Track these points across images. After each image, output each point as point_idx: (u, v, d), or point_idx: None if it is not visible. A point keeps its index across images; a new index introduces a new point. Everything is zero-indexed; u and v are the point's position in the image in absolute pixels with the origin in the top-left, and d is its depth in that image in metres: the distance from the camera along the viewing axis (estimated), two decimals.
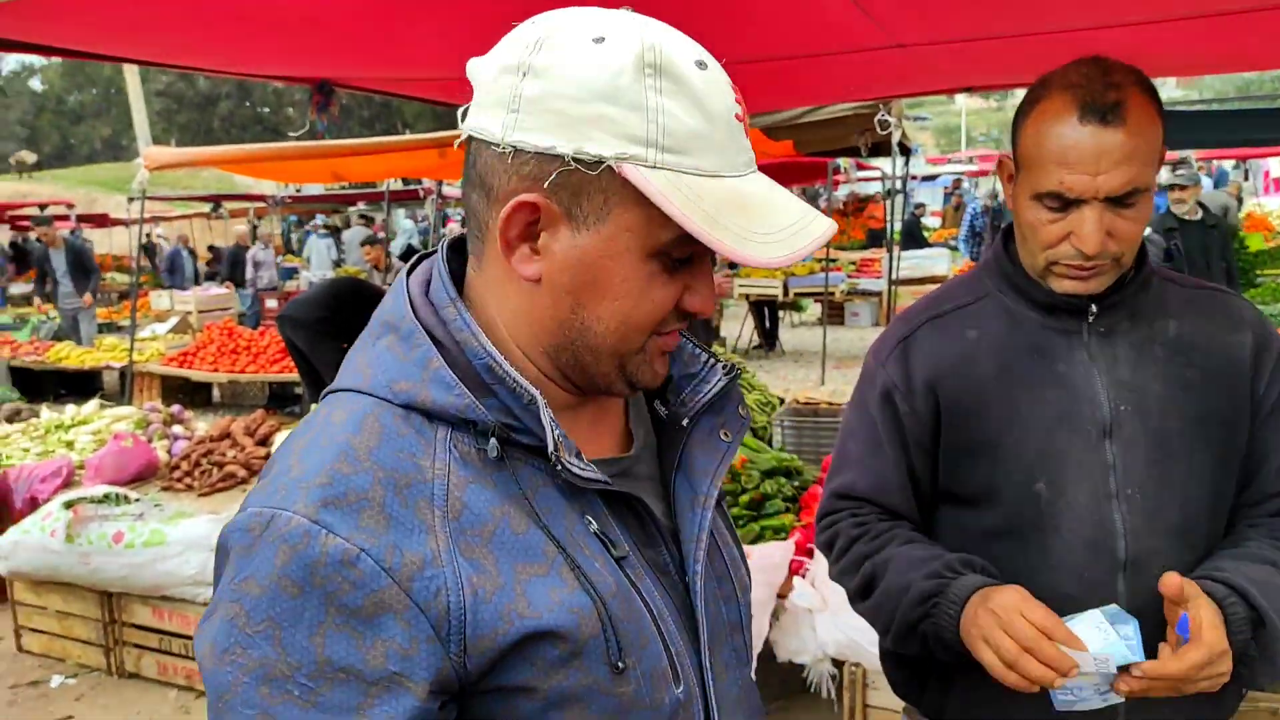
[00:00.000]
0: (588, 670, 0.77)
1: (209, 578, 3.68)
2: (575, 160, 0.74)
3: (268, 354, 8.65)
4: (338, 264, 14.66)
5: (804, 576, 3.35)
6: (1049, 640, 1.15)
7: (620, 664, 0.78)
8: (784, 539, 3.64)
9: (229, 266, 14.62)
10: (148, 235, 18.64)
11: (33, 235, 16.93)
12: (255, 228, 19.85)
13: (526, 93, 0.74)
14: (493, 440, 0.78)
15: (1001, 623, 1.18)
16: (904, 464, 1.45)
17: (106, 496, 4.02)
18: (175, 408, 5.71)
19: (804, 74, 2.96)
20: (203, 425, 5.67)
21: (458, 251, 0.88)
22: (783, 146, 6.40)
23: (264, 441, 5.07)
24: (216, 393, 9.63)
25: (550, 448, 0.77)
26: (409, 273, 0.86)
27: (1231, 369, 1.36)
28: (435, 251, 0.88)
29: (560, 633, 0.76)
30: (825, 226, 0.78)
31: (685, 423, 0.93)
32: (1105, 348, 1.36)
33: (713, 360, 0.94)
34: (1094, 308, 1.36)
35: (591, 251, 0.77)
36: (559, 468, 0.78)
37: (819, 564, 3.34)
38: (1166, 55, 2.55)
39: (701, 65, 0.76)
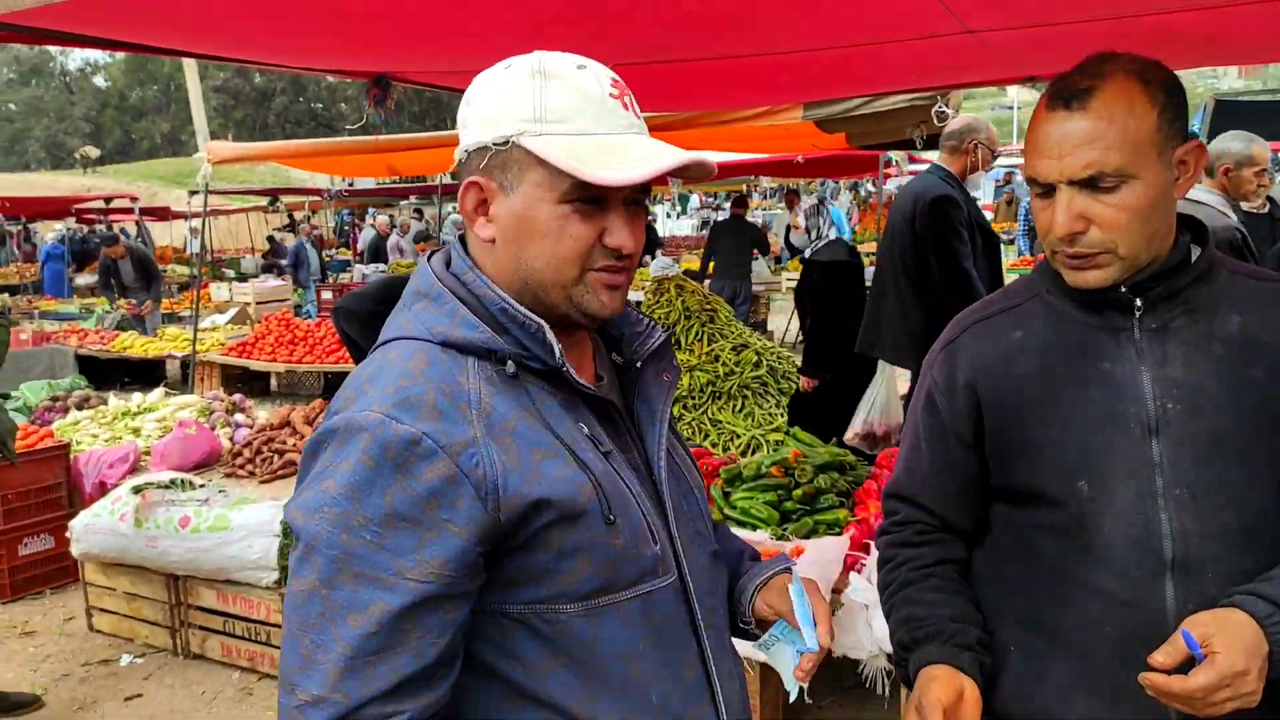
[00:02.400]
0: (590, 526, 1.03)
1: (272, 562, 3.77)
2: (493, 144, 1.04)
3: (324, 345, 8.81)
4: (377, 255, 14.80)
5: (860, 571, 3.32)
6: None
7: (611, 518, 1.04)
8: (838, 534, 3.61)
9: (292, 261, 14.85)
10: (280, 232, 18.96)
11: (98, 228, 17.44)
12: (309, 219, 20.20)
13: (468, 116, 1.07)
14: (509, 363, 1.05)
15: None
16: (944, 464, 1.47)
17: (173, 482, 4.14)
18: (237, 396, 5.84)
19: (869, 62, 2.93)
20: (263, 414, 5.79)
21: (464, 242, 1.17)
22: (835, 140, 6.33)
23: None
24: (274, 382, 9.83)
25: (557, 357, 1.05)
26: (429, 258, 1.16)
27: None
28: (447, 243, 1.18)
29: (565, 499, 1.01)
30: (680, 155, 1.03)
31: (639, 365, 1.21)
32: (1156, 344, 1.32)
33: (653, 322, 1.24)
34: (1138, 303, 1.32)
35: (519, 207, 1.05)
36: (564, 371, 1.06)
37: (873, 559, 3.31)
38: (1237, 40, 2.47)
39: (581, 67, 1.06)
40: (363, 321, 6.73)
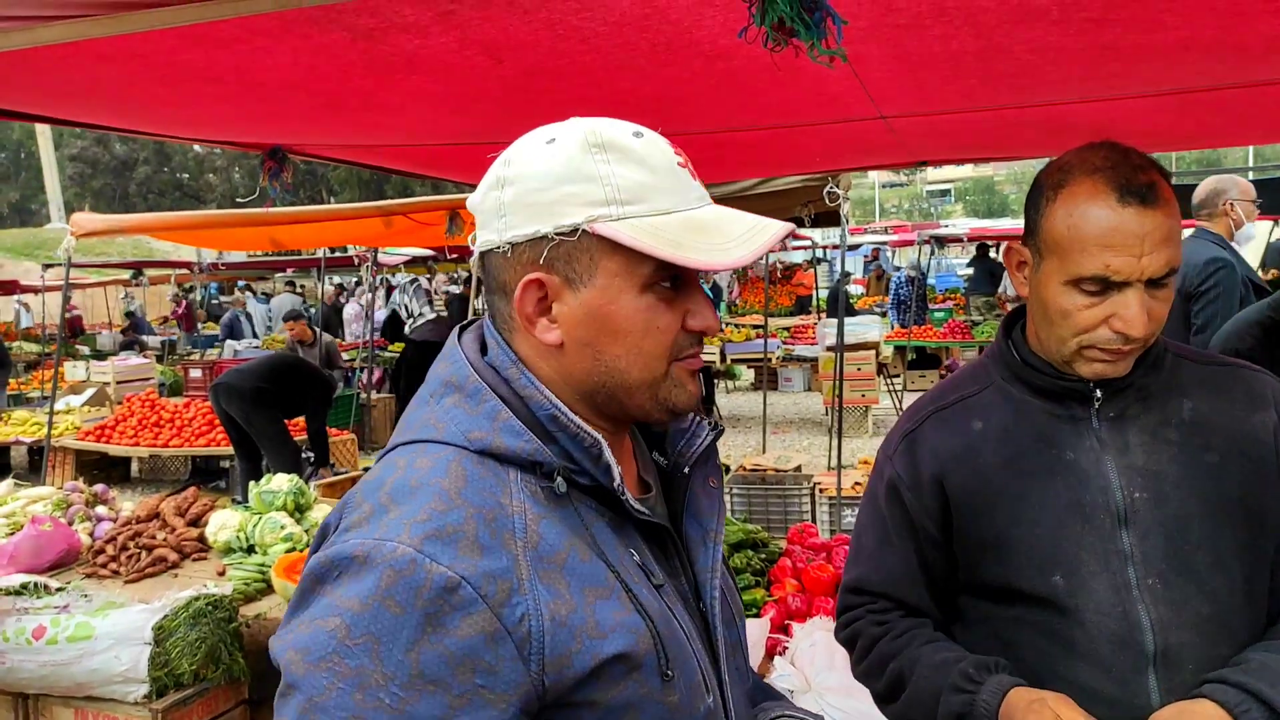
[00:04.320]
0: (644, 681, 0.88)
1: (142, 674, 3.39)
2: (558, 234, 0.89)
3: (192, 426, 8.26)
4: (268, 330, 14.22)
5: (782, 655, 3.24)
6: None
7: (669, 673, 0.90)
8: (756, 615, 3.54)
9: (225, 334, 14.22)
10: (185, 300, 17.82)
11: None
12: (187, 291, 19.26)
13: (506, 199, 0.92)
14: (559, 478, 0.90)
15: None
16: (914, 558, 1.43)
17: (24, 587, 3.69)
18: (99, 487, 5.36)
19: (786, 143, 2.98)
20: (128, 505, 5.32)
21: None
22: None
23: (196, 521, 4.77)
24: (136, 467, 9.15)
25: (616, 481, 0.92)
26: (459, 336, 1.00)
27: (1255, 450, 1.32)
28: (475, 320, 1.03)
29: (624, 653, 0.86)
30: (781, 226, 0.92)
31: (686, 470, 1.06)
32: (1116, 433, 1.32)
33: (698, 418, 1.07)
34: (1098, 393, 1.33)
35: (594, 302, 0.91)
36: (621, 498, 0.92)
37: (796, 641, 3.25)
38: (1123, 132, 2.65)
39: (638, 135, 0.93)
40: (245, 400, 6.38)
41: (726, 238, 0.90)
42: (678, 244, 0.88)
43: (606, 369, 0.93)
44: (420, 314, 4.73)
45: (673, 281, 0.92)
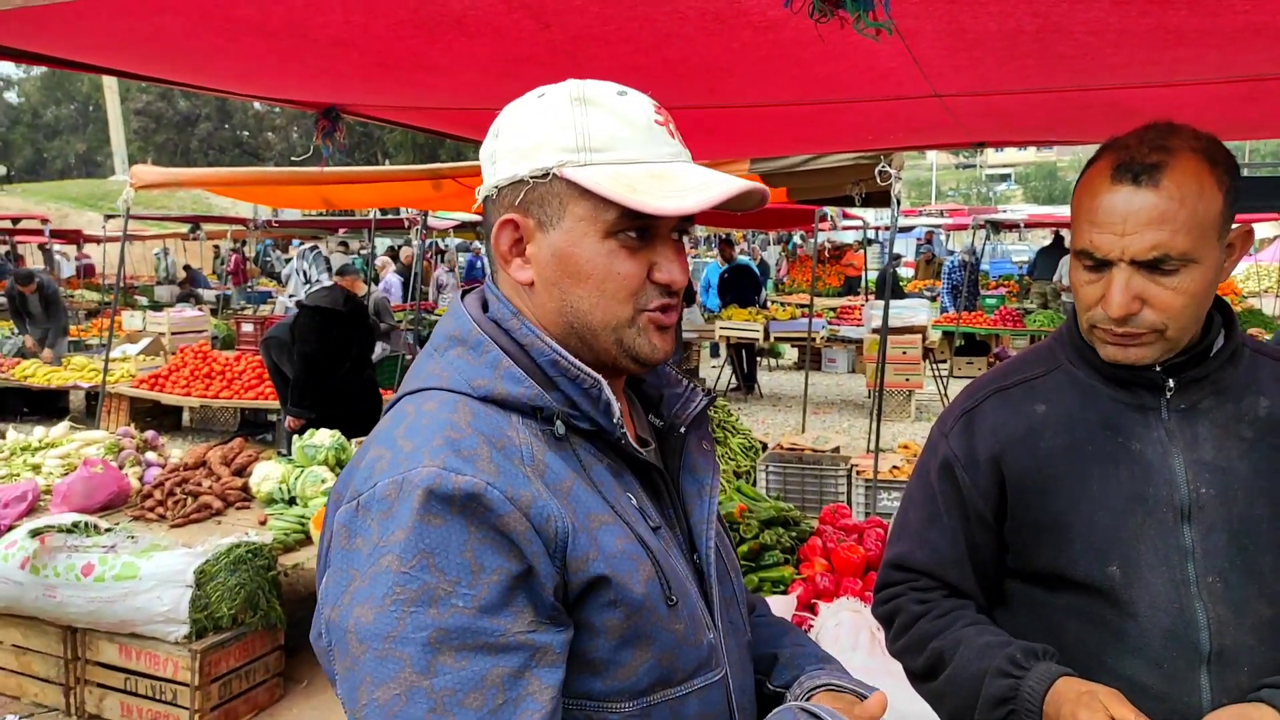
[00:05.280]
0: (651, 608, 0.92)
1: (183, 615, 3.51)
2: (532, 177, 0.95)
3: (242, 379, 8.46)
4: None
5: (807, 632, 3.24)
6: None
7: (672, 599, 0.94)
8: (783, 592, 3.55)
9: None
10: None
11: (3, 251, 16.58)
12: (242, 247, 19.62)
13: (498, 149, 0.98)
14: (558, 422, 0.94)
15: None
16: (963, 538, 1.39)
17: (76, 525, 3.84)
18: (150, 433, 5.52)
19: (835, 120, 2.93)
20: (177, 452, 5.47)
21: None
22: (776, 193, 6.40)
23: (241, 471, 4.90)
24: (187, 417, 9.39)
25: (615, 417, 0.96)
26: (463, 297, 1.05)
27: None
28: (477, 284, 1.08)
29: (624, 576, 0.90)
30: (739, 183, 0.94)
31: (683, 430, 1.11)
32: (1186, 426, 1.29)
33: (691, 384, 1.14)
34: (1171, 383, 1.29)
35: (560, 245, 0.96)
36: (619, 436, 0.97)
37: (822, 620, 3.25)
38: (1193, 119, 2.57)
39: (621, 93, 0.97)
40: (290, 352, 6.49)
41: (680, 186, 0.93)
42: (633, 188, 0.91)
43: (572, 309, 0.97)
44: (318, 281, 4.72)
45: (639, 232, 0.95)
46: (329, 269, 5.17)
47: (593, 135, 0.94)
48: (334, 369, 5.73)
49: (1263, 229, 18.20)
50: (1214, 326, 1.31)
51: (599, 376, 0.95)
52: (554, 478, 0.91)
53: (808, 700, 1.08)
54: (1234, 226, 1.26)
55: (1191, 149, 1.20)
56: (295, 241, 19.53)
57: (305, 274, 4.94)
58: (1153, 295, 1.21)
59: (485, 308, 1.02)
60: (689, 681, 0.96)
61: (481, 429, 0.90)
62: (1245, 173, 9.97)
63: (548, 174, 0.94)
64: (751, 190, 0.95)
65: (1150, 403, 1.30)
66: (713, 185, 0.94)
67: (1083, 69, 2.11)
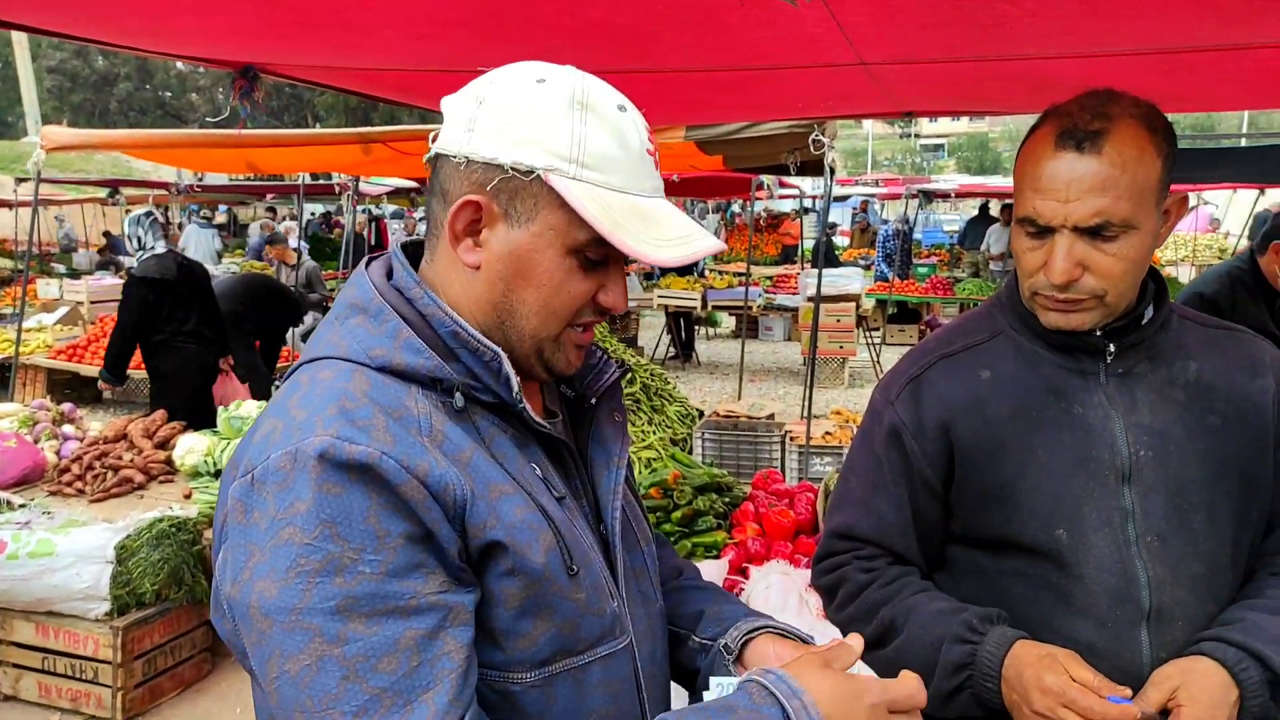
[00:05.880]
0: (551, 578, 0.92)
1: (104, 591, 3.42)
2: (513, 169, 0.92)
3: None
4: (220, 256, 13.94)
5: (739, 595, 3.30)
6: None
7: (573, 569, 0.94)
8: (716, 557, 3.59)
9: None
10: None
11: None
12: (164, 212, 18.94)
13: (480, 117, 0.93)
14: (458, 394, 0.94)
15: (1063, 701, 1.14)
16: (909, 505, 1.40)
17: None
18: (67, 406, 5.33)
19: (761, 87, 2.93)
20: (97, 425, 5.30)
21: (408, 254, 1.03)
22: (713, 161, 6.40)
23: (164, 444, 4.76)
24: (106, 389, 9.07)
25: (515, 391, 0.95)
26: (366, 265, 1.02)
27: (1254, 415, 1.32)
28: (383, 252, 1.04)
29: (523, 545, 0.90)
30: (714, 243, 0.95)
31: (593, 401, 1.11)
32: (1124, 390, 1.32)
33: (606, 355, 1.13)
34: (1111, 348, 1.31)
35: (522, 245, 0.94)
36: (519, 408, 0.96)
37: (752, 583, 3.30)
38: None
39: (622, 109, 0.95)
40: (228, 321, 6.31)
41: (663, 235, 0.93)
42: (618, 224, 0.90)
43: (510, 308, 0.96)
44: (152, 248, 4.55)
45: (601, 256, 0.95)
46: (165, 236, 4.94)
47: (588, 149, 0.92)
48: (163, 339, 5.47)
49: None
50: (1147, 293, 1.35)
51: (498, 349, 0.95)
52: (453, 448, 0.90)
53: (745, 643, 1.08)
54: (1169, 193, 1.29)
55: (1132, 116, 1.22)
56: (189, 206, 18.93)
57: (140, 240, 4.69)
58: (1094, 261, 1.23)
59: (390, 276, 1.00)
60: (592, 650, 0.96)
61: (378, 399, 0.89)
62: None
63: (532, 172, 0.91)
64: (720, 250, 0.97)
65: (1090, 368, 1.33)
66: (690, 242, 0.94)
67: (1003, 38, 2.14)
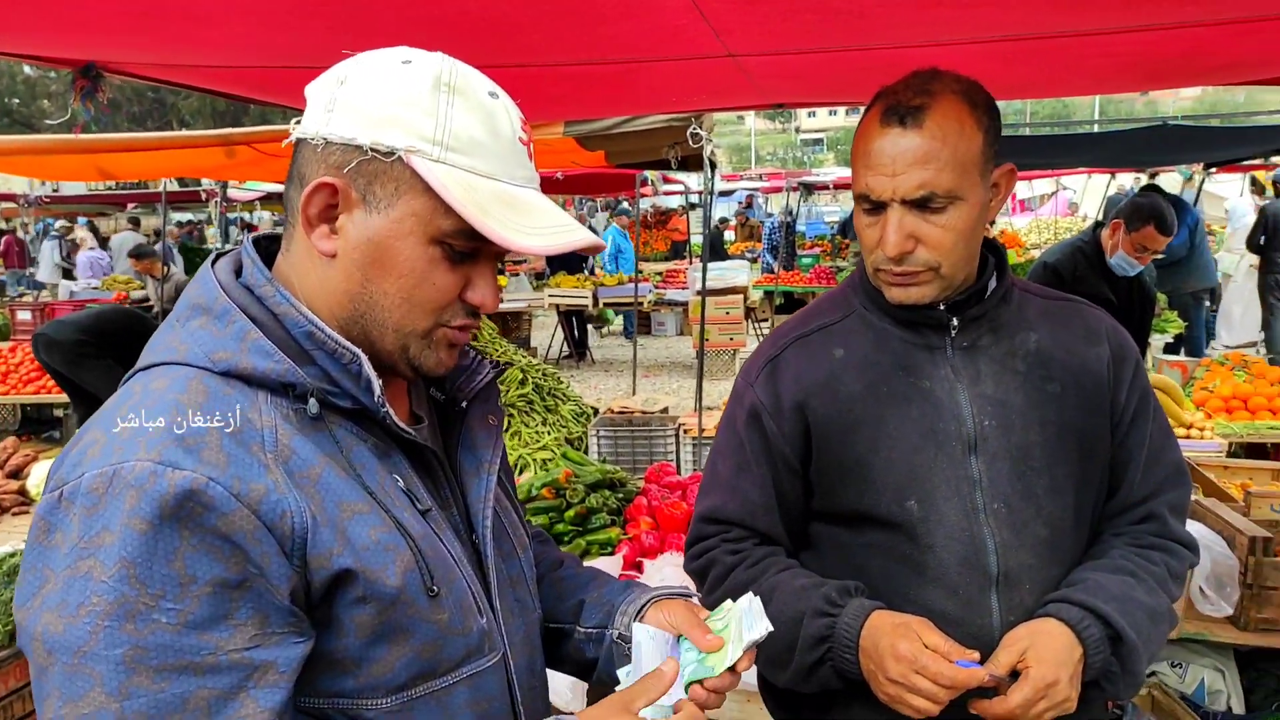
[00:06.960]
0: (408, 602, 0.87)
1: None
2: (373, 150, 0.86)
3: (19, 372, 7.65)
4: (67, 272, 13.19)
5: None
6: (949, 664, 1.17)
7: (434, 589, 0.89)
8: (610, 554, 3.58)
9: None
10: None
11: None
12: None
13: (340, 97, 0.88)
14: (312, 400, 0.87)
15: (915, 667, 1.18)
16: (772, 485, 1.42)
17: None
18: None
19: (633, 81, 2.92)
20: None
21: (260, 248, 0.97)
22: (594, 157, 6.38)
23: (16, 474, 4.44)
24: None
25: (377, 395, 0.89)
26: (212, 264, 0.95)
27: (1090, 381, 1.38)
28: (234, 249, 0.98)
29: (376, 571, 0.85)
30: (590, 237, 0.92)
31: (464, 404, 1.06)
32: (969, 362, 1.36)
33: (480, 355, 1.08)
34: (955, 322, 1.36)
35: (381, 232, 0.88)
36: (382, 413, 0.90)
37: (647, 577, 3.30)
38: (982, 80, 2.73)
39: (493, 94, 0.91)
40: (66, 353, 5.92)
41: (533, 223, 0.88)
42: (484, 210, 0.85)
43: (369, 300, 0.90)
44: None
45: (469, 249, 0.90)
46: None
47: (455, 131, 0.87)
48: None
49: (1042, 185, 19.87)
50: (988, 268, 1.39)
51: (358, 351, 0.88)
52: (300, 464, 0.84)
53: (639, 618, 1.07)
54: (997, 166, 1.33)
55: (952, 91, 1.26)
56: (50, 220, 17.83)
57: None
58: (924, 233, 1.27)
59: (240, 273, 0.93)
60: (456, 671, 0.93)
61: (215, 409, 0.82)
62: (1027, 132, 10.86)
63: (393, 153, 0.86)
64: (593, 245, 0.93)
65: (936, 342, 1.37)
66: (563, 232, 0.90)
67: (859, 29, 2.19)
